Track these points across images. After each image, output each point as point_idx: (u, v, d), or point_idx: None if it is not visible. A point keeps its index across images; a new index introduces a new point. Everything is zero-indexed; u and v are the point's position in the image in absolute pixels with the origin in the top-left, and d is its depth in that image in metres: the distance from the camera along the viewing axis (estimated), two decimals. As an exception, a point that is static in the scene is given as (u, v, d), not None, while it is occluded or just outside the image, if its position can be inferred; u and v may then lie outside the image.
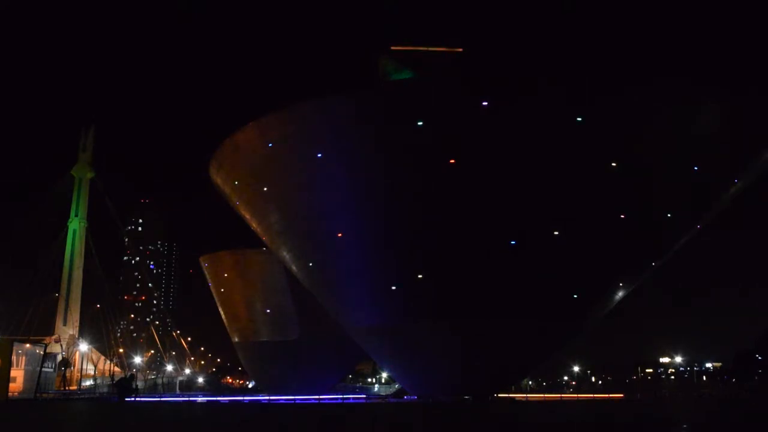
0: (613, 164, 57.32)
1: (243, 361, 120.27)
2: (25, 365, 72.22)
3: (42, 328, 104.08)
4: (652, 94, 56.71)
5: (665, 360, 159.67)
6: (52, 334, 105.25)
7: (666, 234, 63.80)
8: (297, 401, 64.63)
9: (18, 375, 69.80)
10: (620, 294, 67.35)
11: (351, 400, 74.77)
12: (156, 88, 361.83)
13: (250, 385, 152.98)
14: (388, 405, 60.19)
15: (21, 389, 68.54)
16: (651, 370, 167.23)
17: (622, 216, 59.64)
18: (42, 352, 73.89)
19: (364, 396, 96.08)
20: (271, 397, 75.79)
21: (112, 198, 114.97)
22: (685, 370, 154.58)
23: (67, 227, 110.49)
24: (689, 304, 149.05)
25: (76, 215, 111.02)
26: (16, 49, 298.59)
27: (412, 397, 71.82)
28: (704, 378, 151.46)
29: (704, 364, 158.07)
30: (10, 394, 59.28)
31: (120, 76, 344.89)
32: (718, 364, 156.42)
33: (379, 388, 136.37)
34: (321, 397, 73.09)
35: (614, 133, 56.05)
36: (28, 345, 78.48)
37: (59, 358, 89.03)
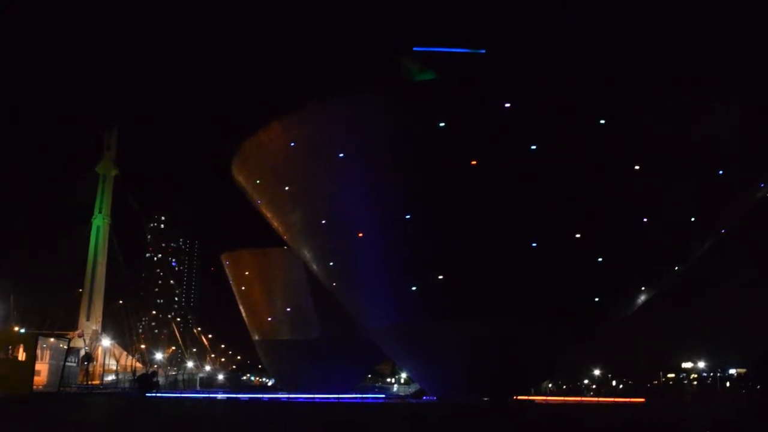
0: (636, 167, 56.85)
1: (263, 359, 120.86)
2: (49, 359, 73.18)
3: (66, 323, 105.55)
4: (677, 97, 56.16)
5: (688, 365, 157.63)
6: (76, 329, 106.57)
7: (690, 238, 63.12)
8: (316, 400, 64.86)
9: (42, 369, 70.76)
10: (642, 297, 66.75)
11: (370, 400, 74.85)
12: (180, 86, 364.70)
13: (269, 383, 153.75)
14: (407, 405, 60.22)
15: (45, 382, 69.49)
16: (673, 375, 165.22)
17: (645, 219, 59.13)
18: (66, 347, 74.82)
19: (384, 396, 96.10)
20: (291, 396, 76.11)
21: (136, 195, 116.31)
22: (708, 375, 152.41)
23: (91, 224, 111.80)
24: (714, 308, 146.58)
25: (100, 212, 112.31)
26: (47, 52, 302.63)
27: (431, 398, 71.72)
28: (728, 384, 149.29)
29: (728, 369, 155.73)
30: (34, 387, 60.15)
31: (145, 75, 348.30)
32: (742, 370, 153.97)
33: (398, 388, 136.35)
34: (340, 396, 73.24)
35: (638, 135, 55.57)
36: (52, 339, 79.45)
37: (82, 352, 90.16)
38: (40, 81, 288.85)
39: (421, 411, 49.66)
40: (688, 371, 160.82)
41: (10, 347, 61.67)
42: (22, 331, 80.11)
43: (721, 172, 58.38)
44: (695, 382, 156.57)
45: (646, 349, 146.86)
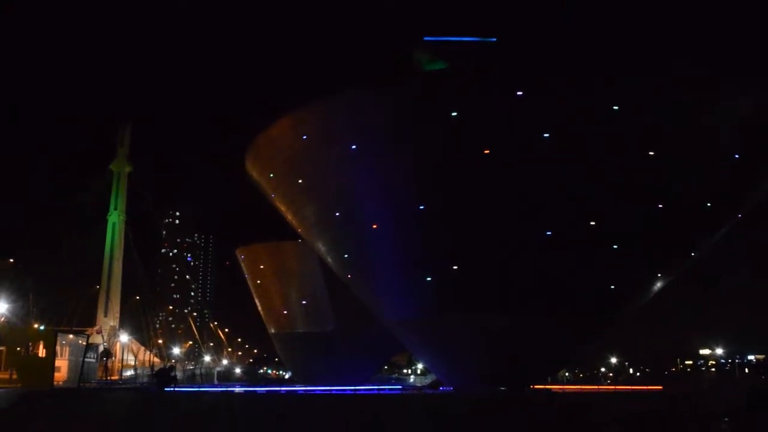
0: (651, 153, 56.41)
1: (279, 352, 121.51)
2: (69, 355, 73.98)
3: (84, 319, 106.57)
4: (691, 83, 55.65)
5: (705, 352, 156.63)
6: (94, 325, 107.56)
7: (705, 224, 62.62)
8: (333, 392, 65.11)
9: (62, 365, 71.58)
10: (659, 285, 66.36)
11: (387, 391, 75.03)
12: (191, 82, 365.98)
13: (286, 376, 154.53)
14: (424, 396, 60.30)
15: (65, 378, 70.32)
16: (690, 362, 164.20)
17: (660, 206, 58.70)
18: (84, 343, 75.54)
19: (400, 387, 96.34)
20: (308, 388, 76.45)
21: (150, 191, 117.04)
22: (726, 362, 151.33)
23: (107, 221, 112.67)
24: (732, 295, 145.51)
25: (115, 209, 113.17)
26: (61, 51, 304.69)
27: (447, 388, 71.84)
28: (746, 370, 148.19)
29: (746, 356, 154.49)
30: (55, 383, 60.84)
31: (156, 72, 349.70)
32: (761, 356, 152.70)
33: (414, 379, 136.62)
34: (357, 388, 73.45)
35: (651, 121, 55.13)
36: (71, 336, 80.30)
37: (101, 348, 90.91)
38: (56, 83, 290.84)
39: (439, 402, 49.75)
40: (706, 358, 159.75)
41: (30, 344, 62.43)
42: (42, 328, 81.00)
43: (737, 156, 57.82)
44: (713, 369, 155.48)
45: (663, 336, 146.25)
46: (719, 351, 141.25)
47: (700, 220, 61.59)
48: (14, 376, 62.04)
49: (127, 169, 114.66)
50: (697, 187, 58.69)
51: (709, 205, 60.39)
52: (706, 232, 64.16)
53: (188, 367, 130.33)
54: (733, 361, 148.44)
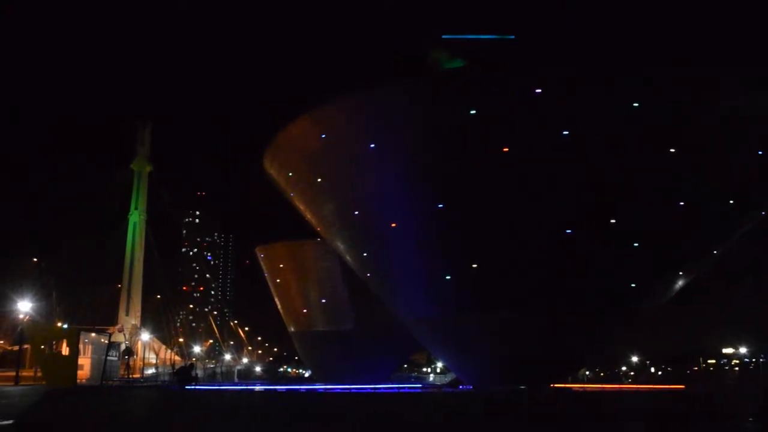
0: (672, 150, 55.85)
1: (299, 351, 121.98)
2: (91, 353, 74.82)
3: (106, 318, 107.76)
4: (712, 78, 54.99)
5: (729, 351, 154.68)
6: (116, 324, 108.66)
7: (728, 221, 61.89)
8: (353, 390, 65.23)
9: (85, 363, 72.39)
10: (680, 282, 65.73)
11: (406, 390, 75.03)
12: (211, 82, 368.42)
13: (306, 374, 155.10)
14: (444, 395, 60.22)
15: (88, 376, 71.14)
16: (714, 361, 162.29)
17: (681, 203, 58.12)
18: (107, 342, 76.32)
19: (420, 386, 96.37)
20: (327, 386, 76.63)
21: (170, 191, 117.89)
22: (750, 361, 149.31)
23: (128, 220, 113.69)
24: (755, 292, 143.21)
25: (136, 208, 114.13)
26: (84, 51, 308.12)
27: (467, 387, 71.68)
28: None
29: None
30: (78, 380, 61.52)
31: (177, 72, 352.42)
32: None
33: (434, 378, 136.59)
34: (376, 386, 73.51)
35: (673, 118, 54.55)
36: (93, 334, 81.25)
37: (123, 347, 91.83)
38: (77, 82, 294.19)
39: (458, 401, 49.68)
40: (730, 357, 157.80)
41: (54, 342, 63.18)
42: (65, 326, 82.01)
43: (761, 153, 57.06)
44: (737, 369, 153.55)
45: (685, 335, 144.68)
46: (743, 350, 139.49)
47: (723, 218, 60.87)
48: (39, 374, 62.88)
49: (148, 168, 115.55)
50: (720, 185, 58.00)
51: (731, 202, 59.70)
52: (728, 230, 63.41)
53: (209, 366, 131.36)
54: (758, 361, 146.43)
